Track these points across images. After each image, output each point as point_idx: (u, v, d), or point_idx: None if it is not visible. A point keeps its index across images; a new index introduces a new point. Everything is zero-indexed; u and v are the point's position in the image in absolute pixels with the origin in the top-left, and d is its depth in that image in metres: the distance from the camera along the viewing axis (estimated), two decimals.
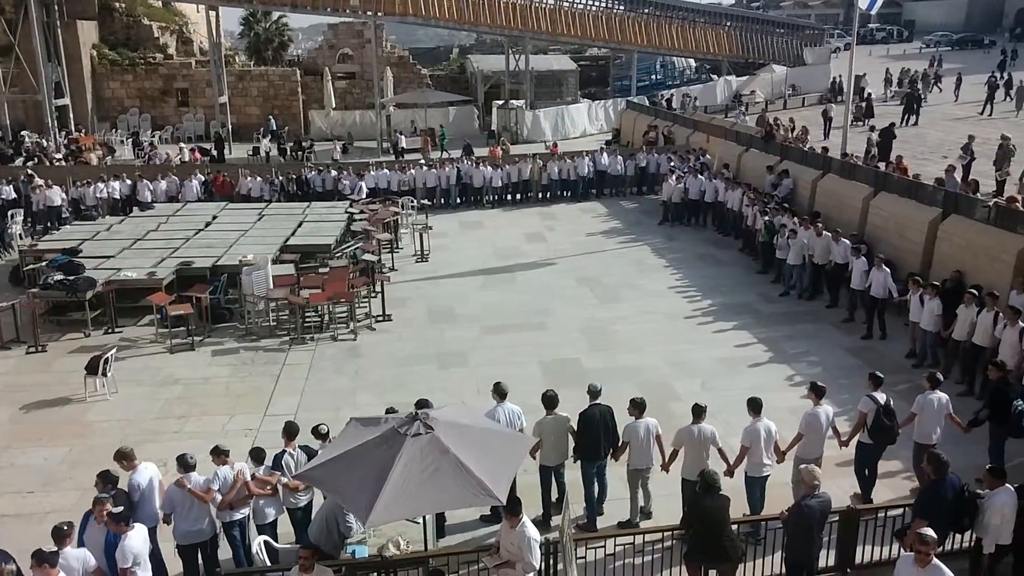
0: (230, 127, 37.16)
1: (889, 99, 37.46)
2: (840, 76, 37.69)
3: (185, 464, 7.86)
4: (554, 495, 9.11)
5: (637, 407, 8.79)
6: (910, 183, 16.57)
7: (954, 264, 13.89)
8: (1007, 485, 7.39)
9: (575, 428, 8.88)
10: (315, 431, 8.61)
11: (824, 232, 15.65)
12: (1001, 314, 11.24)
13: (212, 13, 37.20)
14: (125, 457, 8.00)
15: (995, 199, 16.03)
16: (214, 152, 32.26)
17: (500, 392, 9.04)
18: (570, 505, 7.72)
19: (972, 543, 7.77)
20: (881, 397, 8.91)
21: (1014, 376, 10.70)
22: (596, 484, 9.05)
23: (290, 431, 8.49)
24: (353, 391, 12.48)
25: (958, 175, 18.57)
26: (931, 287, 12.52)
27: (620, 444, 8.83)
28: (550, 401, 8.86)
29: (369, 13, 36.53)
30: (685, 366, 13.15)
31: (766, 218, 17.63)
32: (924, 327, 12.55)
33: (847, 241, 15.24)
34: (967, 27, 74.74)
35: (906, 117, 31.45)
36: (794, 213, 17.62)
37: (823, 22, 67.03)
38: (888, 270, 13.72)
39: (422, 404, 7.89)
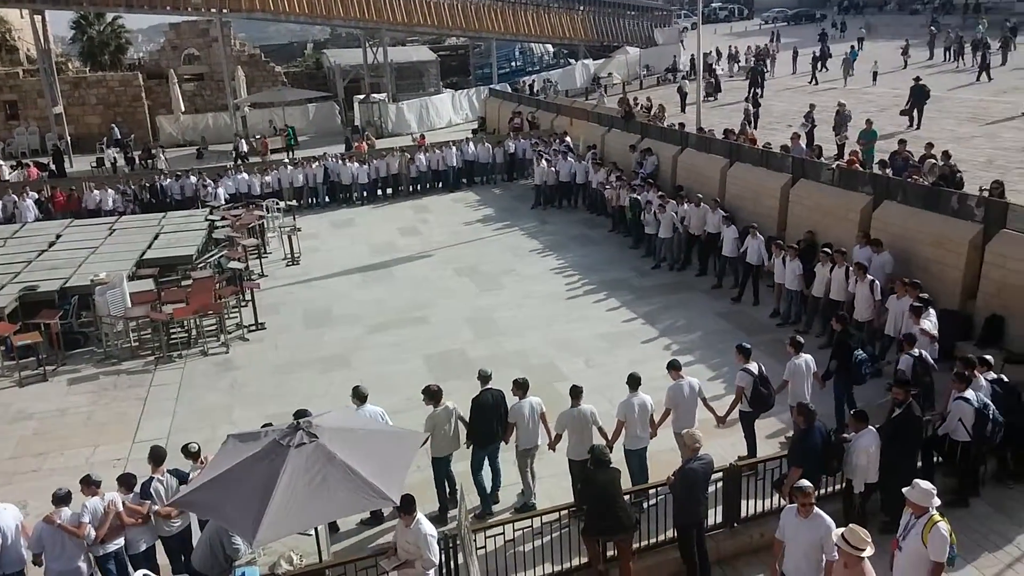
0: (68, 139, 34.61)
1: (735, 75, 39.35)
2: (693, 55, 39.51)
3: (57, 498, 7.34)
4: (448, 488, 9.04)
5: (520, 387, 8.84)
6: (761, 152, 17.45)
7: (807, 225, 14.74)
8: (869, 427, 7.88)
9: (464, 417, 8.83)
10: (184, 450, 8.18)
11: (702, 203, 16.16)
12: (851, 269, 11.97)
13: (38, 18, 34.39)
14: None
15: (837, 162, 17.09)
16: (53, 167, 29.96)
17: (359, 395, 8.87)
18: (465, 496, 7.64)
19: (844, 484, 8.25)
20: (754, 367, 9.28)
21: (873, 327, 11.45)
22: (490, 470, 9.04)
23: (156, 456, 8.00)
24: (229, 407, 11.91)
25: (803, 142, 19.68)
26: (791, 249, 13.18)
27: (507, 426, 8.84)
28: (433, 395, 8.76)
29: (213, 10, 34.96)
30: (568, 346, 13.33)
31: (632, 195, 18.09)
32: (789, 287, 13.21)
33: (721, 211, 15.79)
34: (801, 3, 79.52)
35: (752, 91, 33.10)
36: (659, 188, 18.17)
37: (670, 3, 69.44)
38: (762, 238, 14.22)
39: (301, 414, 7.62)
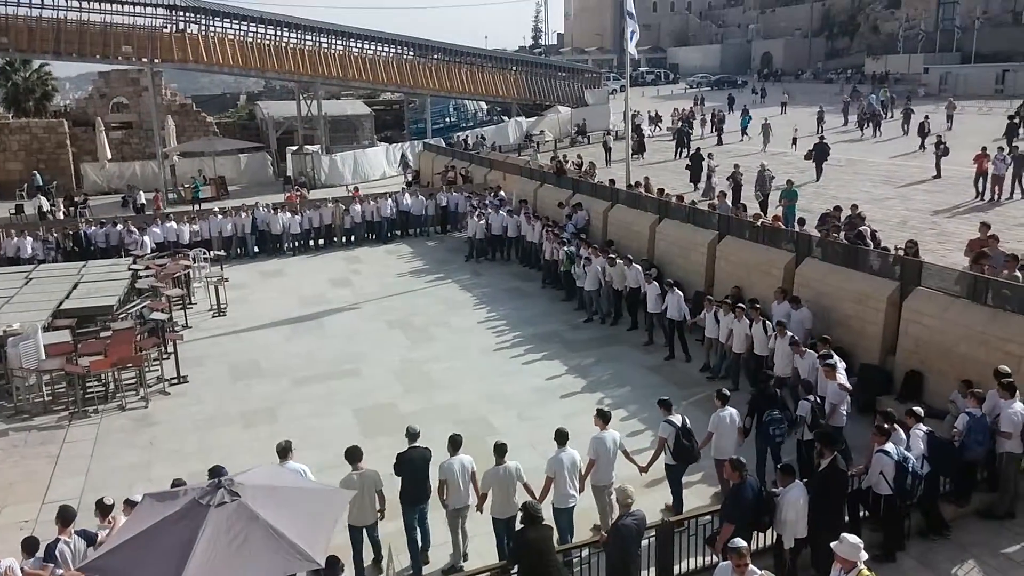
0: None
1: (654, 135, 40.90)
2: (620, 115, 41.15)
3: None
4: (369, 555, 8.74)
5: (453, 445, 8.69)
6: (689, 209, 17.97)
7: (733, 280, 15.17)
8: (797, 481, 8.02)
9: (381, 489, 8.51)
10: (99, 503, 7.84)
11: (618, 260, 16.46)
12: (768, 324, 12.29)
13: None
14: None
15: (761, 220, 17.72)
16: None
17: (280, 451, 8.61)
18: (394, 557, 7.43)
19: (775, 540, 8.32)
20: (677, 419, 9.34)
21: (792, 383, 11.65)
22: (419, 531, 8.81)
23: (65, 516, 7.60)
24: (148, 464, 11.40)
25: (728, 200, 20.38)
26: (724, 304, 13.40)
27: (438, 483, 8.66)
28: (352, 455, 8.46)
29: (144, 60, 34.51)
30: (501, 399, 13.26)
31: (566, 248, 18.34)
32: (722, 341, 13.34)
33: (638, 267, 16.11)
34: (723, 69, 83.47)
35: (679, 151, 34.29)
36: (588, 243, 18.48)
37: (600, 66, 71.83)
38: (680, 293, 14.54)
39: (216, 471, 7.41)
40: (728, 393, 9.87)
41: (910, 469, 8.30)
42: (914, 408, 9.29)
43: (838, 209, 17.28)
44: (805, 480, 8.16)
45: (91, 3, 33.67)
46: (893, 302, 12.16)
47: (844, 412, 10.18)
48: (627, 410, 12.44)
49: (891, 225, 19.14)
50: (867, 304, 12.51)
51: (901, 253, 13.29)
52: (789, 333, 11.85)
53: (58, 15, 33.20)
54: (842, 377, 10.26)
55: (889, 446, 8.39)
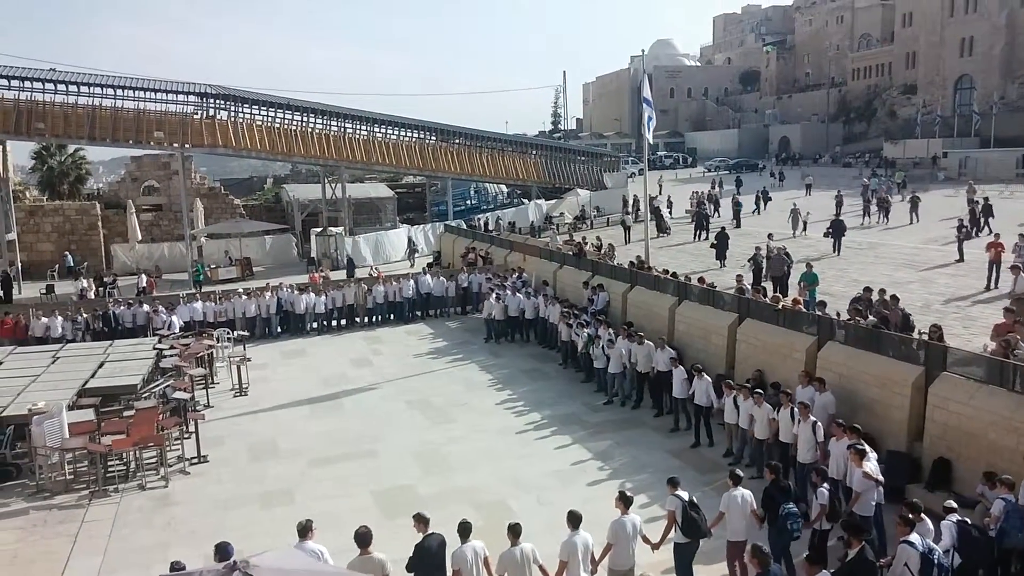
0: (19, 265, 34.24)
1: (672, 218, 41.33)
2: (636, 195, 42.03)
3: None
4: None
5: (463, 531, 8.53)
6: (708, 291, 18.04)
7: (754, 364, 15.10)
8: (824, 571, 7.81)
9: (389, 569, 8.36)
10: None
11: (646, 340, 16.43)
12: (796, 410, 11.97)
13: None
14: None
15: (781, 303, 17.73)
16: (0, 293, 29.44)
17: (300, 530, 8.54)
18: None
19: None
20: (684, 494, 9.26)
21: (817, 471, 11.35)
22: None
23: None
24: (166, 545, 11.33)
25: (747, 282, 20.46)
26: (744, 390, 13.24)
27: (453, 573, 8.49)
28: (362, 539, 8.31)
29: (175, 145, 35.73)
30: (519, 482, 13.13)
31: (586, 330, 18.40)
32: (742, 427, 13.16)
33: (671, 350, 15.98)
34: (740, 153, 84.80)
35: (697, 233, 34.61)
36: (609, 324, 18.54)
37: (618, 150, 73.35)
38: (708, 379, 14.34)
39: (221, 549, 7.57)
40: (741, 474, 9.74)
41: (935, 561, 8.08)
42: (946, 504, 9.04)
43: (868, 291, 17.28)
44: (832, 571, 7.96)
45: (124, 91, 35.11)
46: (918, 387, 12.01)
47: (872, 501, 9.89)
48: (648, 495, 12.22)
49: (914, 309, 18.97)
50: (892, 389, 12.38)
51: (925, 338, 13.20)
52: (812, 418, 11.69)
53: (92, 102, 34.63)
54: (869, 465, 10.00)
55: (914, 537, 8.19)
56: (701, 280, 19.41)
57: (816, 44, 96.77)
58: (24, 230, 37.42)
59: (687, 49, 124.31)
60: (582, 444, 14.72)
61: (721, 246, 27.23)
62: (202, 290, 27.70)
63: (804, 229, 32.38)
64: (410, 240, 38.55)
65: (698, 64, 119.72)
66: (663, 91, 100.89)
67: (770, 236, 23.13)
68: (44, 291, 30.66)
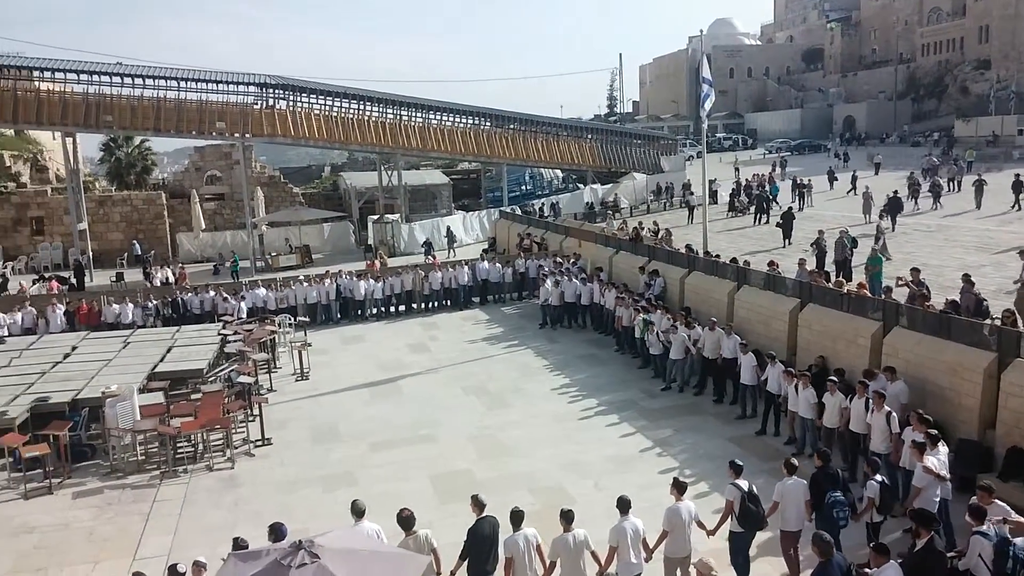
0: (91, 254, 35.54)
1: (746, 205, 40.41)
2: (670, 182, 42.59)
3: None
4: None
5: (516, 519, 8.54)
6: (769, 276, 17.67)
7: (816, 350, 14.76)
8: (892, 561, 7.63)
9: (436, 548, 8.51)
10: (171, 570, 8.10)
11: (717, 327, 16.15)
12: (871, 400, 11.57)
13: (69, 140, 36.07)
14: None
15: (846, 287, 17.28)
16: (74, 281, 30.61)
17: (357, 511, 8.70)
18: None
19: None
20: (744, 484, 9.10)
21: (891, 461, 11.02)
22: None
23: None
24: (232, 524, 11.67)
25: (809, 266, 19.97)
26: (804, 377, 12.93)
27: (505, 561, 8.55)
28: (406, 522, 8.47)
29: (237, 135, 36.50)
30: (577, 468, 13.12)
31: (643, 316, 18.24)
32: (803, 415, 12.91)
33: (736, 336, 15.69)
34: (803, 134, 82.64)
35: (758, 216, 33.92)
36: (667, 310, 18.34)
37: (675, 133, 72.23)
38: (781, 366, 13.94)
39: (275, 529, 7.91)
40: (796, 463, 9.53)
41: (1011, 552, 7.80)
42: None
43: (915, 271, 16.79)
44: (900, 561, 7.76)
45: (188, 83, 35.99)
46: (991, 374, 11.58)
47: (935, 497, 9.47)
48: (708, 483, 12.10)
49: (987, 293, 18.34)
50: (962, 376, 11.95)
51: (998, 323, 12.70)
52: (887, 408, 11.32)
53: (158, 94, 35.59)
54: (931, 460, 9.59)
55: (987, 526, 7.93)
56: (771, 264, 18.98)
57: (883, 19, 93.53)
58: (94, 220, 38.77)
59: (747, 28, 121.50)
60: (641, 431, 14.63)
61: (787, 226, 27.28)
62: (238, 280, 28.39)
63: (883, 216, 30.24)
64: (448, 230, 38.22)
65: (759, 43, 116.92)
66: (722, 71, 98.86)
67: (845, 231, 22.44)
68: (114, 279, 31.76)
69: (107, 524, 11.91)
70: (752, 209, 35.03)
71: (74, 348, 18.97)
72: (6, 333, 21.46)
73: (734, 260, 20.21)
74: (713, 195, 36.79)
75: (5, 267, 35.28)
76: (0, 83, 33.98)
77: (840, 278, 19.21)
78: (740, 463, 9.41)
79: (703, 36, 28.93)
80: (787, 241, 27.36)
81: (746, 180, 40.67)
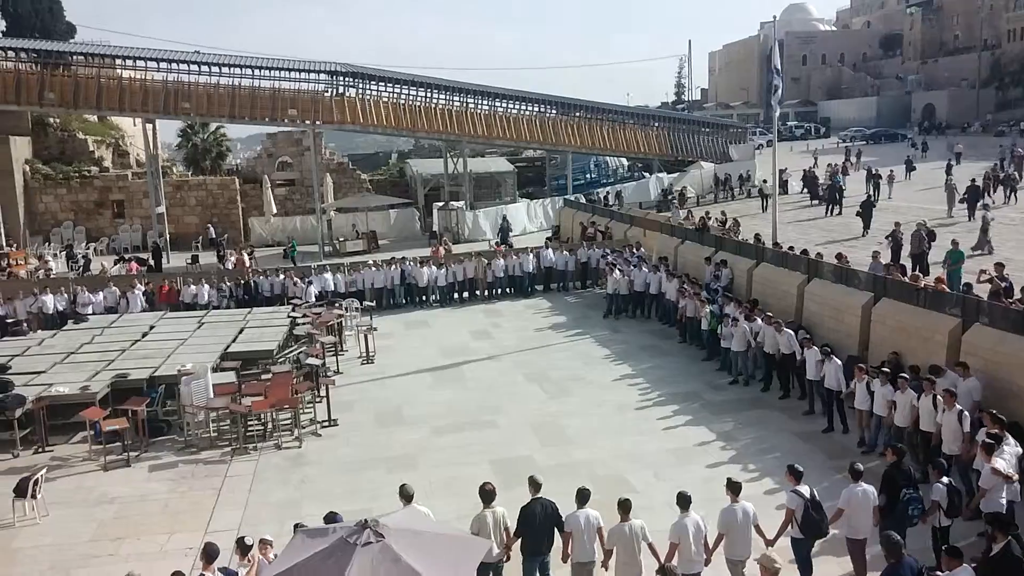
0: (168, 237, 36.81)
1: (799, 192, 39.33)
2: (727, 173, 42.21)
3: None
4: None
5: (580, 498, 8.66)
6: (841, 269, 17.19)
7: (890, 346, 14.30)
8: (965, 565, 7.39)
9: (510, 526, 8.71)
10: (239, 543, 8.37)
11: (771, 322, 15.81)
12: (939, 398, 11.19)
13: (149, 126, 37.37)
14: None
15: (923, 282, 16.71)
16: (152, 262, 31.77)
17: (405, 495, 8.84)
18: None
19: None
20: (806, 490, 8.87)
21: (963, 461, 10.65)
22: None
23: (209, 554, 8.09)
24: (299, 501, 12.01)
25: (883, 260, 19.38)
26: (882, 374, 12.49)
27: (564, 536, 8.63)
28: (487, 495, 8.71)
29: (307, 122, 37.21)
30: (638, 458, 13.06)
31: (711, 307, 17.98)
32: (877, 413, 12.46)
33: (790, 331, 15.35)
34: (879, 122, 79.90)
35: (829, 207, 33.01)
36: (737, 301, 18.01)
37: (745, 121, 70.69)
38: (839, 362, 13.62)
39: (331, 518, 8.05)
40: (861, 468, 9.19)
41: None
42: None
43: (999, 266, 16.09)
44: (974, 565, 7.52)
45: (262, 71, 36.83)
46: None
47: (1002, 499, 9.10)
48: (773, 480, 11.80)
49: None
50: None
51: None
52: (958, 406, 10.91)
53: (233, 82, 36.54)
54: (1000, 462, 9.21)
55: None
56: (840, 256, 18.49)
57: (966, 4, 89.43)
58: (171, 203, 40.08)
59: (822, 13, 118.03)
60: (704, 423, 14.45)
61: (866, 215, 27.06)
62: (295, 264, 28.76)
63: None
64: (504, 220, 37.46)
65: (834, 29, 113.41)
66: (795, 58, 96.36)
67: (923, 224, 21.68)
68: (190, 261, 32.82)
69: (181, 497, 12.39)
70: (821, 200, 34.12)
71: (152, 327, 19.72)
72: (89, 311, 22.41)
73: (805, 252, 19.73)
74: (783, 185, 35.87)
75: (88, 248, 36.80)
76: (85, 71, 35.38)
77: (917, 272, 18.61)
78: (800, 468, 9.13)
79: (776, 22, 28.19)
80: (866, 231, 26.95)
81: (810, 169, 39.63)
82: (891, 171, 36.71)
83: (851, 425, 13.58)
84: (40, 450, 14.33)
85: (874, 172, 35.73)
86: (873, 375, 12.65)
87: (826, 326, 16.43)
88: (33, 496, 11.60)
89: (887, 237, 22.47)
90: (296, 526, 8.65)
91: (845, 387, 13.38)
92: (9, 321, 21.82)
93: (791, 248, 20.38)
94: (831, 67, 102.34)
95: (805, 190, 37.40)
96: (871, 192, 33.44)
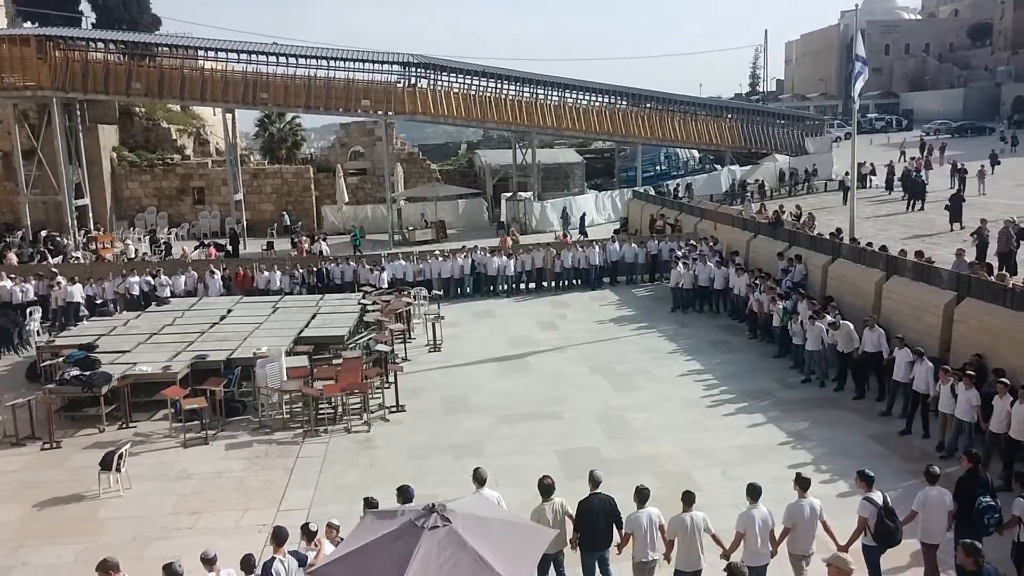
0: (244, 223, 37.90)
1: (872, 186, 37.96)
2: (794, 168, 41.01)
3: (173, 574, 7.62)
4: None
5: (640, 496, 8.61)
6: (922, 266, 16.58)
7: (973, 347, 13.75)
8: None
9: (572, 514, 8.74)
10: (304, 528, 8.60)
11: (843, 321, 15.39)
12: None
13: (229, 116, 38.51)
14: (110, 569, 7.61)
15: (1012, 282, 16.00)
16: (229, 247, 32.78)
17: (479, 478, 8.94)
18: None
19: None
20: (879, 497, 8.60)
21: (1017, 477, 10.10)
22: None
23: (279, 537, 8.30)
24: (367, 484, 12.24)
25: (968, 258, 18.63)
26: (967, 377, 12.01)
27: (623, 536, 8.60)
28: (546, 489, 8.74)
29: (380, 112, 37.76)
30: (705, 454, 12.90)
31: (783, 303, 17.60)
32: (960, 417, 12.00)
33: (881, 329, 14.86)
34: (965, 115, 76.58)
35: (911, 203, 31.83)
36: (811, 298, 17.57)
37: (822, 113, 68.68)
38: (930, 364, 13.09)
39: (403, 491, 8.45)
40: (938, 471, 8.90)
41: None
42: None
43: None
44: None
45: (336, 62, 37.49)
46: None
47: None
48: (846, 482, 11.47)
49: None
50: None
51: None
52: None
53: (309, 73, 37.31)
54: None
55: None
56: (919, 254, 17.86)
57: None
58: (248, 191, 41.25)
59: (906, 2, 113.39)
60: (774, 422, 14.18)
61: (955, 209, 26.18)
62: (359, 253, 29.13)
63: None
64: (564, 211, 37.28)
65: (919, 17, 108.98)
66: (877, 48, 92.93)
67: (1012, 221, 20.73)
68: (265, 247, 33.73)
69: (255, 476, 12.80)
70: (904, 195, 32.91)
71: (229, 311, 20.37)
72: (169, 294, 23.29)
73: (884, 248, 19.10)
74: (863, 179, 34.76)
75: (169, 233, 38.20)
76: (169, 62, 36.65)
77: (1003, 271, 17.83)
78: (871, 473, 8.88)
79: (858, 10, 27.25)
80: (954, 225, 26.21)
81: (893, 163, 38.22)
82: (982, 166, 35.21)
83: (931, 429, 13.13)
84: (124, 426, 15.02)
85: (959, 166, 34.28)
86: (957, 377, 12.18)
87: (905, 325, 15.87)
88: (118, 469, 12.16)
89: (972, 235, 21.57)
90: (366, 500, 8.85)
91: (933, 390, 12.92)
92: (97, 302, 22.88)
93: (869, 244, 19.75)
94: (915, 57, 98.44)
95: (898, 186, 35.64)
96: (957, 187, 32.13)
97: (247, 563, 8.13)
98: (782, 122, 46.83)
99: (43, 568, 10.21)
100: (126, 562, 7.90)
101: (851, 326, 15.34)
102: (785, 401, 15.16)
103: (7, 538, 10.98)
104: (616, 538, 8.75)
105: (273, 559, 8.07)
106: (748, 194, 38.77)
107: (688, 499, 8.44)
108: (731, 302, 21.38)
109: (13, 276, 23.82)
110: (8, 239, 34.59)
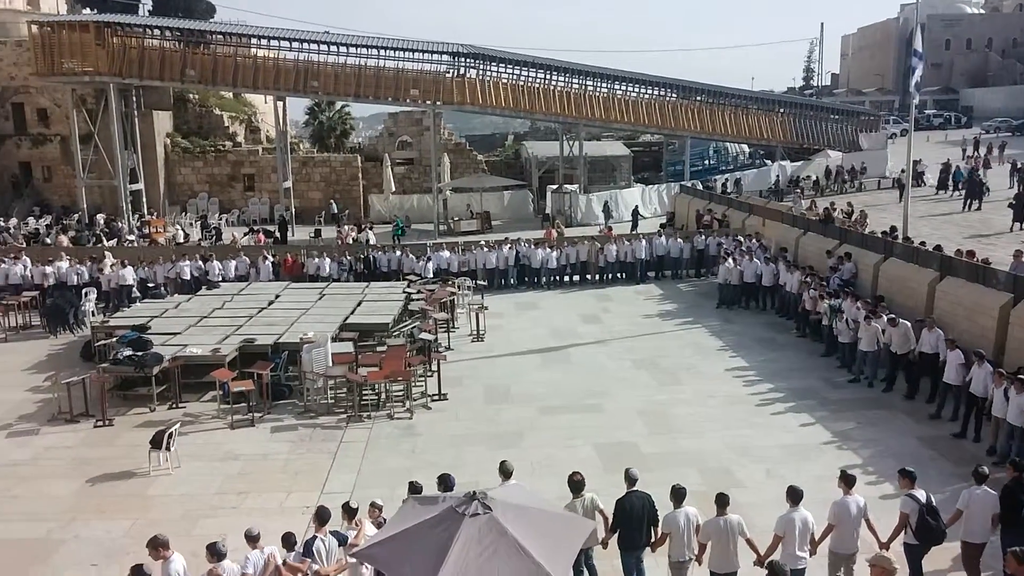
0: (293, 210, 38.47)
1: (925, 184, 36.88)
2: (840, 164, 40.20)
3: (217, 553, 7.78)
4: None
5: (676, 496, 8.52)
6: (978, 267, 16.13)
7: None
8: None
9: (603, 509, 8.69)
10: (345, 507, 8.74)
11: (901, 320, 15.07)
12: None
13: (280, 103, 39.06)
14: (160, 546, 7.80)
15: None
16: (278, 234, 33.31)
17: (505, 471, 8.96)
18: None
19: None
20: (921, 495, 8.46)
21: None
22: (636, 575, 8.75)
23: (322, 517, 8.43)
24: (409, 470, 12.34)
25: None
26: (1018, 382, 11.65)
27: (660, 535, 8.54)
28: (576, 486, 8.71)
29: (428, 102, 37.92)
30: (748, 452, 12.75)
31: (830, 301, 17.28)
32: (1012, 422, 11.67)
33: (939, 331, 14.52)
34: None
35: (968, 202, 30.96)
36: (858, 297, 17.22)
37: (878, 108, 67.02)
38: (990, 367, 12.73)
39: (443, 479, 8.48)
40: (986, 472, 8.74)
41: None
42: None
43: None
44: None
45: (386, 51, 37.74)
46: None
47: None
48: (893, 484, 11.22)
49: None
50: None
51: None
52: None
53: (359, 62, 37.63)
54: None
55: None
56: (970, 254, 17.38)
57: None
58: (297, 179, 41.83)
59: None
60: (820, 421, 13.95)
61: (1020, 207, 25.60)
62: (399, 243, 29.25)
63: None
64: (606, 205, 37.02)
65: (982, 11, 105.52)
66: (937, 42, 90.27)
67: None
68: (313, 234, 34.23)
69: (299, 458, 13.04)
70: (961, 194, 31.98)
71: (278, 296, 20.71)
72: (220, 279, 23.77)
73: (938, 247, 18.62)
74: (918, 177, 33.88)
75: (220, 219, 38.96)
76: (223, 50, 37.30)
77: None
78: (911, 470, 8.76)
79: (918, 3, 26.52)
80: (1014, 226, 25.65)
81: (950, 161, 37.09)
82: (1016, 161, 34.03)
83: (983, 433, 12.79)
84: (174, 406, 15.41)
85: (1020, 166, 33.19)
86: (1011, 381, 11.84)
87: (959, 327, 15.46)
88: (167, 448, 12.49)
89: None
90: (411, 484, 8.94)
91: (991, 394, 12.58)
92: (150, 285, 23.45)
93: (923, 243, 19.27)
94: (977, 53, 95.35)
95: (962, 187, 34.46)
96: (1018, 187, 31.10)
97: (288, 540, 8.28)
98: (836, 117, 45.83)
99: (94, 541, 10.54)
100: (175, 539, 8.12)
101: (909, 325, 15.01)
102: (832, 401, 14.90)
103: (61, 511, 11.36)
104: (652, 536, 8.71)
105: (315, 537, 8.23)
106: (799, 190, 38.03)
107: (722, 502, 8.34)
108: (781, 299, 21.06)
109: (69, 257, 24.54)
110: (65, 221, 35.68)
